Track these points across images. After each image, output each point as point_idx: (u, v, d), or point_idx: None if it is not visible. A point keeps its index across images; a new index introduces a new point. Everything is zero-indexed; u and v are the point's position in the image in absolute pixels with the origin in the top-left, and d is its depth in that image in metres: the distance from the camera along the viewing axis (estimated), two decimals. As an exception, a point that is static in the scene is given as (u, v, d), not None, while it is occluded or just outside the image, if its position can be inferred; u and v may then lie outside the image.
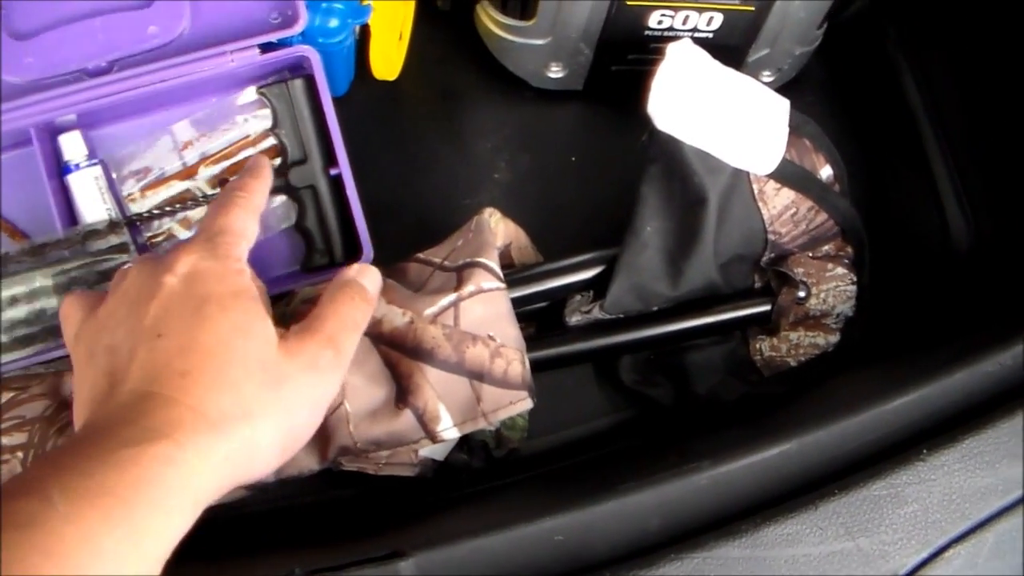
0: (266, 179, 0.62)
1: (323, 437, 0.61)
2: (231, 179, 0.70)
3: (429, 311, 0.62)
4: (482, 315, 0.63)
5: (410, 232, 0.77)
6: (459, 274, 0.64)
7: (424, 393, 0.61)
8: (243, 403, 0.49)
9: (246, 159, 0.72)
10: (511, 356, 0.62)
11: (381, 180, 0.79)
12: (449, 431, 0.61)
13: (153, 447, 0.45)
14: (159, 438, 0.45)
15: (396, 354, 0.62)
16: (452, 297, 0.62)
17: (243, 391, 0.49)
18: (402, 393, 0.61)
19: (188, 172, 0.72)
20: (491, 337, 0.62)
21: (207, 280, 0.52)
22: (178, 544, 0.45)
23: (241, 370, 0.50)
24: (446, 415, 0.61)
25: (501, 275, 0.64)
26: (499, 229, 0.70)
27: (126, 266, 0.57)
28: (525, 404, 0.62)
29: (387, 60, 0.78)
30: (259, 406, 0.49)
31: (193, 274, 0.52)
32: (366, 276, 0.59)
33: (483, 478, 0.69)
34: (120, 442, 0.45)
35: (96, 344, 0.53)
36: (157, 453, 0.45)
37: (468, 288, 0.63)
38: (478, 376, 0.62)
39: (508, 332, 0.63)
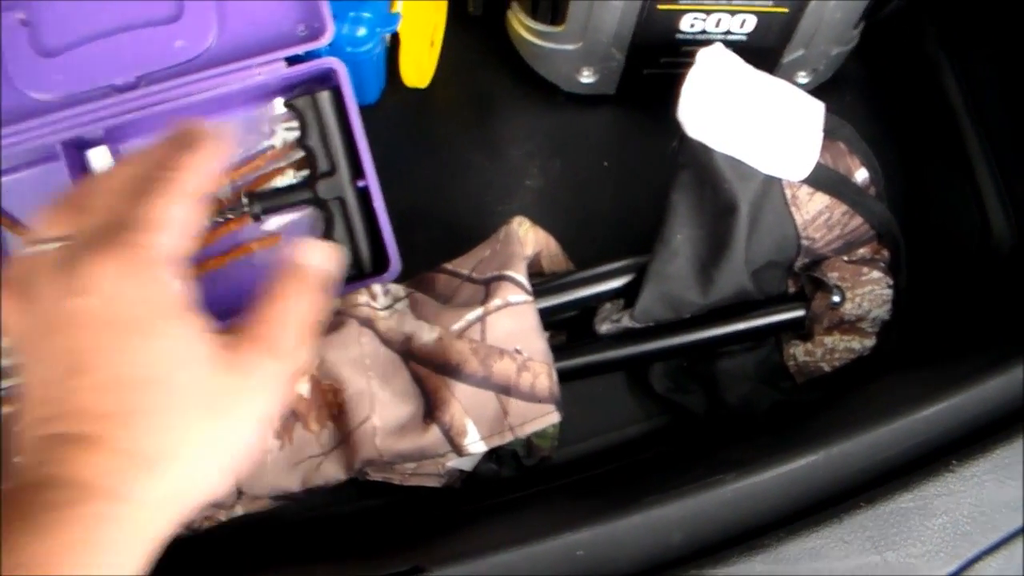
0: (205, 153, 0.51)
1: (350, 449, 0.62)
2: (257, 191, 0.71)
3: (456, 326, 0.62)
4: (509, 329, 0.62)
5: (441, 240, 0.77)
6: (487, 287, 0.64)
7: (451, 408, 0.61)
8: (180, 436, 0.44)
9: (275, 171, 0.72)
10: (538, 370, 0.62)
11: (412, 188, 0.79)
12: (476, 445, 0.61)
13: (86, 507, 0.41)
14: (92, 496, 0.41)
15: (424, 370, 0.62)
16: (479, 312, 0.62)
17: (177, 424, 0.44)
18: (429, 408, 0.62)
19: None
20: (518, 351, 0.62)
21: (125, 302, 0.45)
22: (198, 555, 0.44)
23: (175, 400, 0.44)
24: (473, 429, 0.61)
25: (529, 287, 0.64)
26: (528, 238, 0.70)
27: (20, 256, 0.48)
28: (552, 418, 0.62)
29: (418, 67, 0.78)
30: (198, 435, 0.45)
31: (110, 297, 0.45)
32: (312, 255, 0.52)
33: (513, 487, 0.69)
34: (48, 505, 0.40)
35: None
36: (93, 512, 0.41)
37: (495, 302, 0.63)
38: (505, 390, 0.61)
39: (535, 345, 0.63)
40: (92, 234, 0.47)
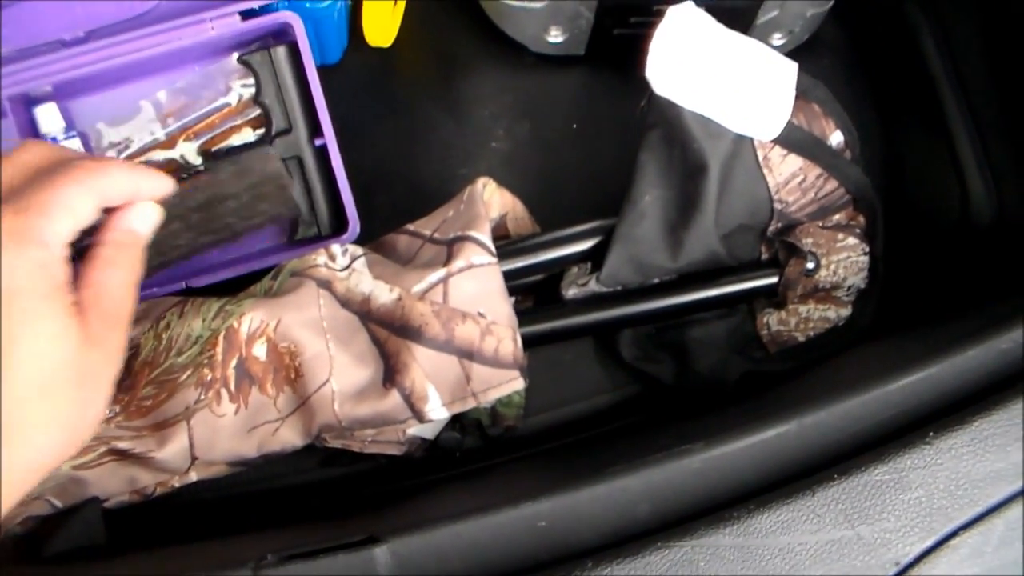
0: (130, 171, 0.53)
1: (307, 414, 0.60)
2: (213, 149, 0.69)
3: (418, 287, 0.60)
4: (473, 291, 0.61)
5: (403, 202, 0.75)
6: (449, 248, 0.62)
7: (412, 372, 0.59)
8: (54, 408, 0.46)
9: (231, 128, 0.70)
10: (502, 334, 0.60)
11: (374, 149, 0.77)
12: (437, 411, 0.59)
13: None
14: None
15: (384, 332, 0.60)
16: (441, 273, 0.60)
17: (35, 395, 0.45)
18: (390, 372, 0.60)
19: (170, 142, 0.70)
20: (481, 314, 0.60)
21: (6, 271, 0.45)
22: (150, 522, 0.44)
23: (49, 375, 0.46)
24: (435, 395, 0.59)
25: (493, 249, 0.62)
26: (494, 200, 0.68)
27: None
28: (516, 384, 0.60)
29: (381, 26, 0.76)
30: (57, 407, 0.46)
31: None
32: (139, 219, 0.53)
33: (477, 457, 0.67)
34: None
35: None
36: None
37: (458, 263, 0.61)
38: (468, 355, 0.60)
39: (500, 309, 0.61)
40: None
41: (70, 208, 0.48)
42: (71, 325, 0.47)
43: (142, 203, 0.53)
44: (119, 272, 0.51)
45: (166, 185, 0.55)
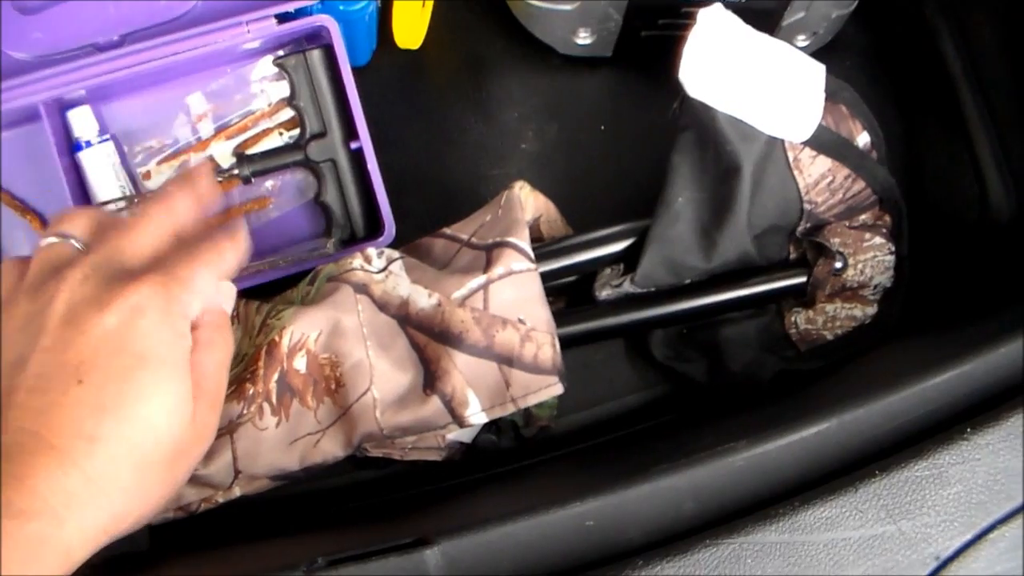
0: (240, 245, 0.56)
1: (348, 424, 0.60)
2: (247, 152, 0.69)
3: (457, 294, 0.61)
4: (512, 298, 0.61)
5: (435, 204, 0.76)
6: (488, 254, 0.62)
7: (452, 378, 0.60)
8: (144, 481, 0.46)
9: (264, 131, 0.71)
10: (541, 340, 0.61)
11: (405, 151, 0.77)
12: (477, 416, 0.60)
13: (32, 524, 0.41)
14: (42, 512, 0.42)
15: (423, 337, 0.61)
16: (482, 279, 0.61)
17: (140, 464, 0.46)
18: (430, 378, 0.60)
19: (203, 145, 0.71)
20: (521, 321, 0.61)
21: (150, 337, 0.47)
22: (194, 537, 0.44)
23: (152, 448, 0.46)
24: (474, 400, 0.60)
25: (532, 255, 0.62)
26: (528, 202, 0.68)
27: (44, 245, 0.51)
28: (555, 389, 0.61)
29: (410, 28, 0.76)
30: (152, 478, 0.47)
31: (136, 323, 0.47)
32: (227, 300, 0.56)
33: (512, 458, 0.68)
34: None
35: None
36: (35, 531, 0.41)
37: (498, 270, 0.61)
38: (507, 361, 0.60)
39: (539, 315, 0.61)
40: (134, 262, 0.50)
41: (203, 289, 0.51)
42: (188, 403, 0.48)
43: (227, 284, 0.55)
44: (217, 353, 0.52)
45: (245, 256, 0.56)
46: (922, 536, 0.48)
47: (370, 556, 0.47)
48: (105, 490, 0.44)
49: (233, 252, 0.54)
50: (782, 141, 0.65)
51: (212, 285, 0.52)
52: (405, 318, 0.61)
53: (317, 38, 0.69)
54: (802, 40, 0.78)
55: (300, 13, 0.68)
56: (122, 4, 0.67)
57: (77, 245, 0.50)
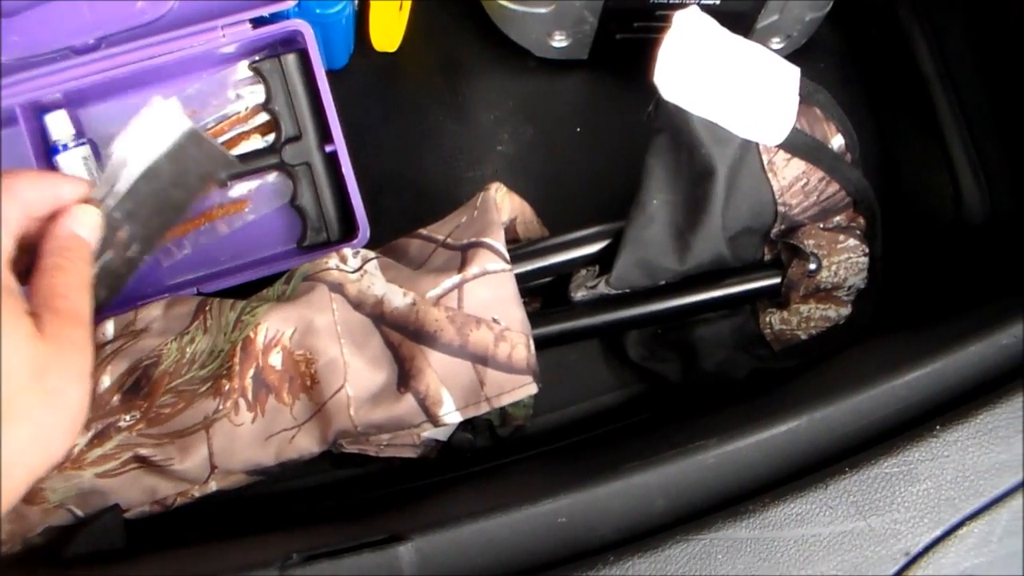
0: (37, 174, 0.55)
1: (323, 421, 0.61)
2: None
3: (432, 293, 0.61)
4: (487, 298, 0.61)
5: (411, 206, 0.76)
6: (464, 254, 0.63)
7: (426, 377, 0.60)
8: (11, 404, 0.46)
9: (240, 135, 0.71)
10: (515, 340, 0.61)
11: (381, 153, 0.77)
12: (451, 415, 0.60)
13: None
14: None
15: (398, 336, 0.61)
16: (456, 279, 0.61)
17: (6, 393, 0.46)
18: (404, 377, 0.60)
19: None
20: (495, 320, 0.61)
21: None
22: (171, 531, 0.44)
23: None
24: (449, 399, 0.60)
25: (507, 256, 0.63)
26: (504, 204, 0.68)
27: None
28: (529, 389, 0.61)
29: (387, 31, 0.77)
30: (31, 402, 0.47)
31: None
32: (78, 223, 0.54)
33: (488, 457, 0.68)
34: None
35: None
36: None
37: (473, 270, 0.61)
38: (482, 360, 0.61)
39: (513, 315, 0.62)
40: None
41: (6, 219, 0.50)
42: (22, 324, 0.48)
43: (76, 207, 0.54)
44: (65, 276, 0.52)
45: (83, 186, 0.55)
46: (891, 532, 0.48)
47: (345, 552, 0.47)
48: None
49: (29, 175, 0.53)
50: (756, 144, 0.65)
51: (12, 211, 0.51)
52: (380, 317, 0.61)
53: (292, 43, 0.70)
54: (776, 42, 0.79)
55: (276, 17, 0.68)
56: (98, 7, 0.68)
57: None
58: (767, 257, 0.71)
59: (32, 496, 0.58)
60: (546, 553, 0.48)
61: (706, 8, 0.66)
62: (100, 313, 0.59)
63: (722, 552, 0.47)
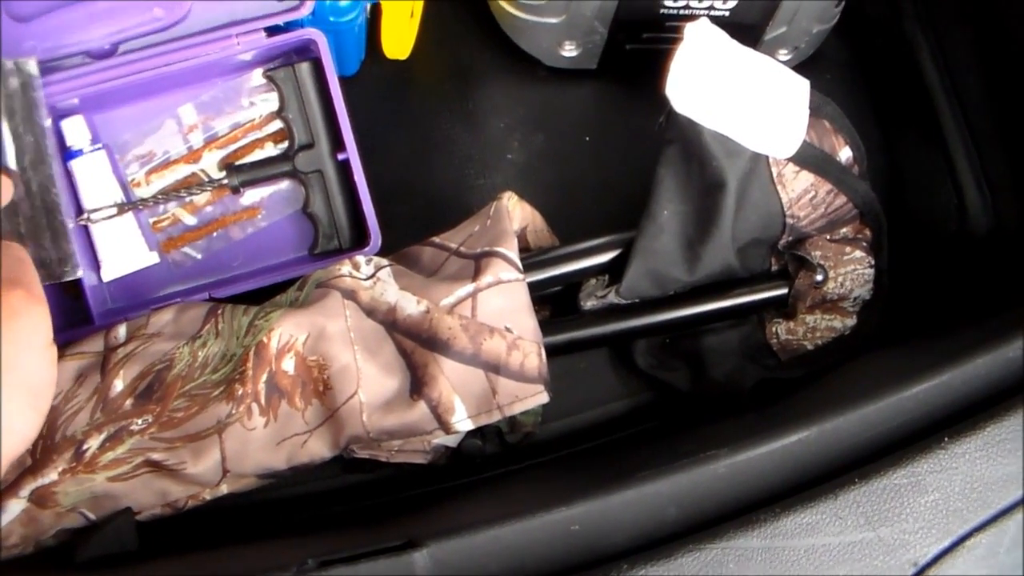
0: None
1: (336, 426, 0.61)
2: (236, 163, 0.70)
3: (446, 301, 0.61)
4: (500, 307, 0.62)
5: (421, 213, 0.77)
6: (477, 263, 0.63)
7: (439, 384, 0.60)
8: None
9: (253, 142, 0.71)
10: (528, 349, 0.61)
11: (392, 161, 0.78)
12: (463, 423, 0.61)
13: None
14: None
15: (411, 343, 0.61)
16: (470, 287, 0.62)
17: None
18: (417, 384, 0.61)
19: (193, 156, 0.71)
20: (508, 329, 0.61)
21: None
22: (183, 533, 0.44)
23: None
24: (461, 407, 0.61)
25: (520, 265, 0.63)
26: (515, 212, 0.69)
27: None
28: (541, 398, 0.62)
29: (398, 39, 0.77)
30: None
31: None
32: None
33: (497, 463, 0.68)
34: None
35: None
36: None
37: (486, 279, 0.62)
38: (494, 368, 0.61)
39: (526, 324, 0.62)
40: None
41: None
42: None
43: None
44: None
45: None
46: (900, 542, 0.49)
47: (360, 558, 0.47)
48: None
49: None
50: (766, 157, 0.65)
51: None
52: (392, 324, 0.62)
53: (306, 51, 0.70)
54: (784, 54, 0.79)
55: (290, 26, 0.68)
56: (115, 13, 0.68)
57: None
58: (774, 267, 0.72)
59: (44, 500, 0.59)
60: (559, 560, 0.49)
61: (715, 19, 0.67)
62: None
63: (733, 561, 0.47)
